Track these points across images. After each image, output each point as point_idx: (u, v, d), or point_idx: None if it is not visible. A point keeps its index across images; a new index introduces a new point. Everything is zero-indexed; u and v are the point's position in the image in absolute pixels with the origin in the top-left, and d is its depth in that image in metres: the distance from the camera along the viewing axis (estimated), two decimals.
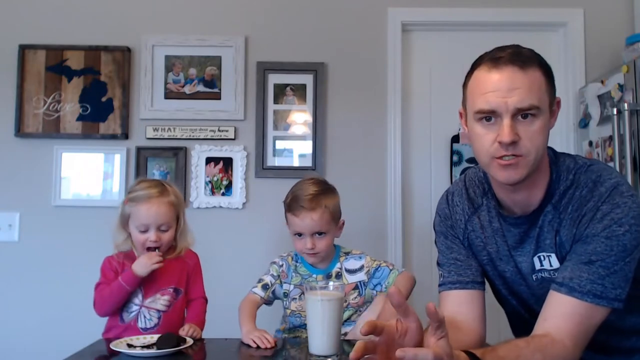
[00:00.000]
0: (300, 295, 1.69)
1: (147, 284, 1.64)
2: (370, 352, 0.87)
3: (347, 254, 1.76)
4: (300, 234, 1.68)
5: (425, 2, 2.73)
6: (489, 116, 1.10)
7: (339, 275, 1.71)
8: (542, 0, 2.74)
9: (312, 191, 1.68)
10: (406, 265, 2.69)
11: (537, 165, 1.12)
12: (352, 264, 1.73)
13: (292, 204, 1.68)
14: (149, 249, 1.64)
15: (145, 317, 1.63)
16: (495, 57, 1.10)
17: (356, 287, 1.71)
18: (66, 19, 2.71)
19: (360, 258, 1.74)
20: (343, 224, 1.77)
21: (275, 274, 1.73)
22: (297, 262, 1.74)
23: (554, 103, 1.16)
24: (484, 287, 1.29)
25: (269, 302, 1.74)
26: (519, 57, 1.09)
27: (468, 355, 0.93)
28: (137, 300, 1.64)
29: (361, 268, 1.72)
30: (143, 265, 1.57)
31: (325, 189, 1.72)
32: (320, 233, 1.66)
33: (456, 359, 0.89)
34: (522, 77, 1.07)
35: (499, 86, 1.08)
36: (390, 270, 1.70)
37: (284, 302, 1.74)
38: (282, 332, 1.72)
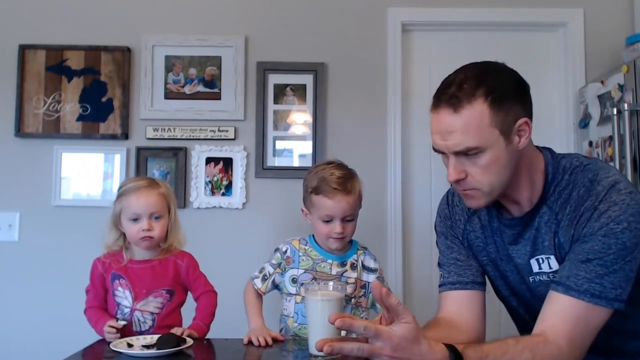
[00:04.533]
0: (311, 280, 1.61)
1: (137, 286, 1.61)
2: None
3: (364, 249, 1.71)
4: (328, 219, 1.60)
5: (425, 2, 2.73)
6: (442, 151, 1.13)
7: (354, 267, 1.66)
8: (542, 0, 2.74)
9: (341, 174, 1.61)
10: (406, 265, 2.70)
11: (501, 189, 1.13)
12: (369, 261, 1.69)
13: (323, 187, 1.59)
14: (143, 239, 1.60)
15: (139, 319, 1.60)
16: (436, 97, 1.11)
17: (365, 286, 1.67)
18: (66, 19, 2.71)
19: (375, 261, 1.70)
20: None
21: (275, 262, 1.68)
22: (306, 245, 1.68)
23: (511, 129, 1.09)
24: (484, 287, 1.28)
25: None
26: (454, 96, 1.07)
27: (447, 348, 0.95)
28: (127, 302, 1.61)
29: (375, 271, 1.69)
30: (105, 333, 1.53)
31: (352, 172, 1.67)
32: (349, 217, 1.61)
33: (428, 348, 0.93)
34: (456, 120, 1.07)
35: (438, 129, 1.11)
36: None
37: (286, 293, 1.66)
38: (290, 330, 1.65)
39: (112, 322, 1.54)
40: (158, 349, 1.34)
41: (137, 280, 1.62)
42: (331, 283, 1.30)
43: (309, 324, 1.27)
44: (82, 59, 2.67)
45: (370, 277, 1.67)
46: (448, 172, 1.12)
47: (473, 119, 1.06)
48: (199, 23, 2.73)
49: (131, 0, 2.74)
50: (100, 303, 1.65)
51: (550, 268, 1.16)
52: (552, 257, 1.16)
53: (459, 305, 1.25)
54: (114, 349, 1.36)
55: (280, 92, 2.71)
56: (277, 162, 2.69)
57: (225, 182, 2.67)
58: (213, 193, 2.67)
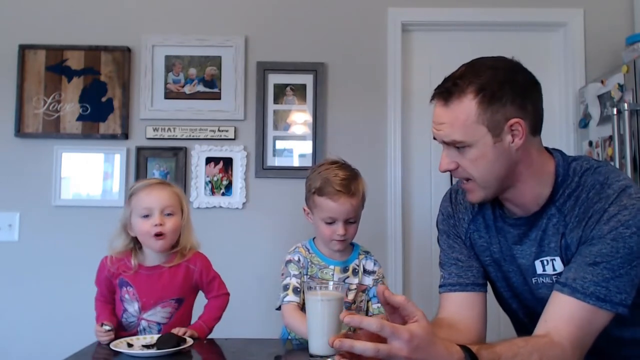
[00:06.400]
0: (311, 281, 1.58)
1: (145, 296, 1.57)
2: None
3: (367, 253, 1.69)
4: (331, 220, 1.57)
5: (425, 2, 2.73)
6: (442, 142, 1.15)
7: (355, 272, 1.63)
8: (542, 0, 2.74)
9: (345, 175, 1.58)
10: (406, 266, 2.70)
11: (497, 185, 1.14)
12: (369, 265, 1.66)
13: (327, 188, 1.56)
14: (155, 236, 1.54)
15: (145, 329, 1.57)
16: (436, 88, 1.15)
17: (365, 291, 1.65)
18: (66, 19, 2.71)
19: (375, 264, 1.67)
20: None
21: (297, 272, 1.59)
22: (309, 252, 1.64)
23: (501, 128, 1.09)
24: (485, 288, 1.28)
25: None
26: (447, 90, 1.11)
27: (462, 349, 0.94)
28: (133, 310, 1.58)
29: (373, 273, 1.66)
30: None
31: (356, 173, 1.64)
32: (352, 219, 1.59)
33: (444, 349, 0.91)
34: (445, 112, 1.12)
35: (435, 119, 1.15)
36: None
37: None
38: (289, 336, 1.62)
39: (105, 325, 1.50)
40: (158, 349, 1.34)
41: (145, 290, 1.57)
42: (331, 283, 1.29)
43: (308, 324, 1.27)
44: (82, 59, 2.68)
45: (369, 280, 1.64)
46: (440, 162, 1.16)
47: (460, 114, 1.10)
48: (199, 23, 2.73)
49: (131, 0, 2.74)
50: (105, 299, 1.63)
51: (554, 270, 1.16)
52: (558, 258, 1.15)
53: (459, 307, 1.24)
54: (114, 349, 1.36)
55: (280, 92, 2.71)
56: (277, 162, 2.70)
57: (225, 182, 2.67)
58: (213, 193, 2.67)
